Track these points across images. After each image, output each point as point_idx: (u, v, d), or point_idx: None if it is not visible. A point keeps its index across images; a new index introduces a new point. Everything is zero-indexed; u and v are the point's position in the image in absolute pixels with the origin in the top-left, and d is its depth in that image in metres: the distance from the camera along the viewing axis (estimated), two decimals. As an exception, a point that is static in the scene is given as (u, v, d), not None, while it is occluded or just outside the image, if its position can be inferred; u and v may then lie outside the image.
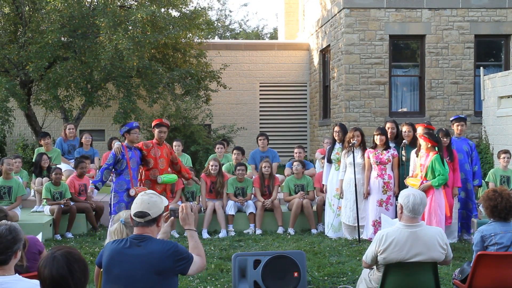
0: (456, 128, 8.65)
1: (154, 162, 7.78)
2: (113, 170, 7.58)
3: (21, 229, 3.24)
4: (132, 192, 7.39)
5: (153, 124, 8.16)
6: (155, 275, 3.40)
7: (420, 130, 7.56)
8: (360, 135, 8.42)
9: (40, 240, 4.70)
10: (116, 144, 7.69)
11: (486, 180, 9.00)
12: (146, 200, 3.55)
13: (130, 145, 7.63)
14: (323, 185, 8.96)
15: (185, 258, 3.50)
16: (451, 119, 9.11)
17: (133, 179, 7.52)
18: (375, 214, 8.09)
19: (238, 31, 32.68)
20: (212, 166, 9.17)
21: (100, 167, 8.62)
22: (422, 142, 7.45)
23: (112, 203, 7.53)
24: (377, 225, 8.01)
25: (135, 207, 3.55)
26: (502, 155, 9.02)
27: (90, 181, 9.48)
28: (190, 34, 15.03)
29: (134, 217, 3.54)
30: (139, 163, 7.73)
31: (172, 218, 3.84)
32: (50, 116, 14.89)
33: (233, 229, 8.93)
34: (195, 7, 15.15)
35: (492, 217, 4.71)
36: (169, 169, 8.03)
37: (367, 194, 8.24)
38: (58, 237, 8.62)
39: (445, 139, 8.16)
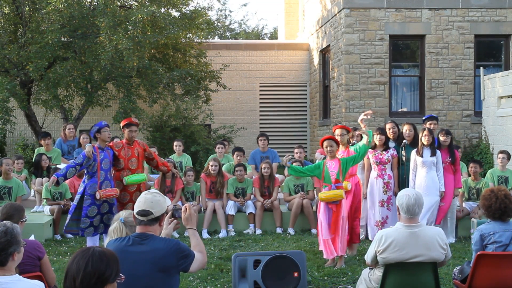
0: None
1: (125, 163, 7.61)
2: (85, 172, 7.30)
3: (19, 231, 3.21)
4: (97, 195, 7.11)
5: (122, 124, 7.86)
6: (158, 272, 3.41)
7: (338, 131, 7.33)
8: (359, 135, 8.42)
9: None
10: (87, 147, 7.27)
11: (485, 180, 9.01)
12: (149, 199, 3.57)
13: (102, 146, 7.35)
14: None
15: (187, 255, 3.53)
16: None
17: (105, 181, 7.23)
18: (379, 215, 8.08)
19: (238, 31, 32.67)
20: (212, 166, 9.16)
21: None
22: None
23: (84, 205, 7.18)
24: (380, 225, 7.98)
25: (138, 205, 3.57)
26: (499, 155, 9.05)
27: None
28: (190, 34, 15.04)
29: (137, 216, 3.56)
30: (112, 163, 7.46)
31: (175, 221, 3.75)
32: (50, 116, 14.89)
33: (233, 229, 8.94)
34: (195, 7, 15.17)
35: (488, 216, 4.72)
36: (141, 169, 7.82)
37: (365, 194, 8.23)
38: (58, 237, 8.63)
39: (444, 138, 8.13)
